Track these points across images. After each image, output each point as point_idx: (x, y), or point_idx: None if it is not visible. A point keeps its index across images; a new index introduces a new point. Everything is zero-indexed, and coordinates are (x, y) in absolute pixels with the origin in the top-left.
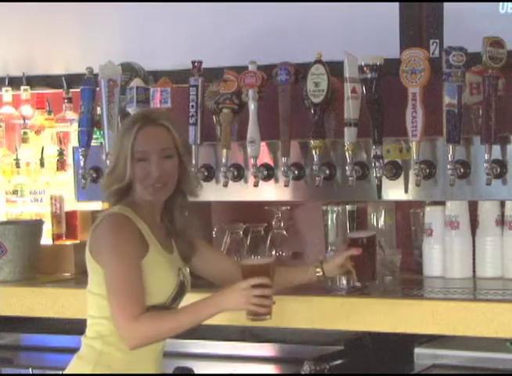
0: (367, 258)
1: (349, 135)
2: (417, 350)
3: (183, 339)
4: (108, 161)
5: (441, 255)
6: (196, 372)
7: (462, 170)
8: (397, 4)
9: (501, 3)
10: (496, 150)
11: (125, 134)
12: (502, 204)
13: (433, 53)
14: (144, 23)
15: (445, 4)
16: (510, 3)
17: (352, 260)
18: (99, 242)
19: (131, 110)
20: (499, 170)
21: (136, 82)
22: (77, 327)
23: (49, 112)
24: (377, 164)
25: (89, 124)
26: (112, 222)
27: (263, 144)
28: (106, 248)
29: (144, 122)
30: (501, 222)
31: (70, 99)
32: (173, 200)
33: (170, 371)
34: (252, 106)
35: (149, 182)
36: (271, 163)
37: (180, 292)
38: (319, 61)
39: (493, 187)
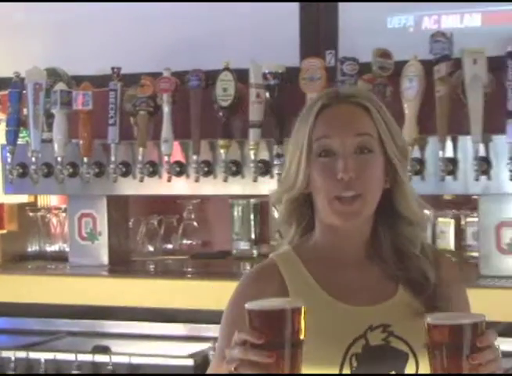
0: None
1: (253, 135)
2: None
3: (100, 319)
4: (34, 158)
5: None
6: (112, 350)
7: None
8: (297, 17)
9: (389, 18)
10: None
11: (302, 119)
12: None
13: (329, 63)
14: (68, 30)
15: (340, 18)
16: (396, 19)
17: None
18: None
19: (55, 111)
20: None
21: (60, 86)
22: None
23: None
24: (278, 162)
25: (16, 124)
26: (243, 277)
27: (176, 143)
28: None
29: (330, 100)
30: None
31: None
32: (378, 229)
33: (88, 350)
34: (166, 109)
35: (334, 190)
36: (183, 160)
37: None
38: (227, 68)
39: None
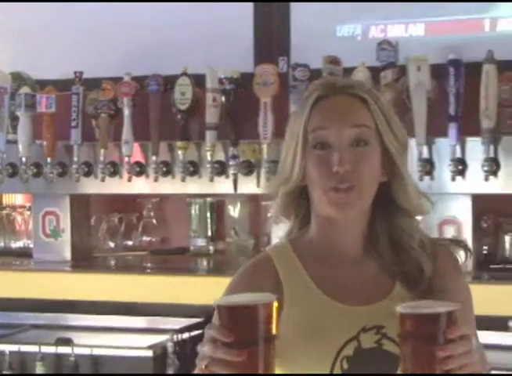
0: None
1: (210, 137)
2: None
3: (63, 313)
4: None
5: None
6: (74, 342)
7: None
8: (251, 25)
9: (338, 27)
10: None
11: (298, 110)
12: None
13: (282, 69)
14: (33, 36)
15: (292, 26)
16: (345, 27)
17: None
18: None
19: (20, 113)
20: None
21: (24, 90)
22: None
23: None
24: (234, 162)
25: None
26: (238, 271)
27: (136, 144)
28: None
29: (326, 91)
30: None
31: None
32: (376, 223)
33: (51, 342)
34: (126, 112)
35: (329, 182)
36: (142, 161)
37: None
38: (184, 74)
39: None
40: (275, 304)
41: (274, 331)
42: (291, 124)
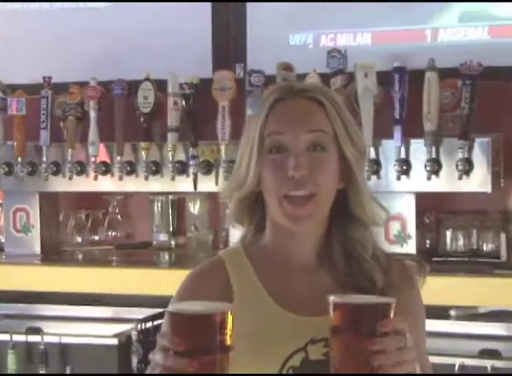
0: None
1: (171, 138)
2: None
3: (33, 303)
4: None
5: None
6: (44, 331)
7: None
8: (210, 34)
9: (291, 36)
10: None
11: (255, 113)
12: None
13: (238, 75)
14: (3, 43)
15: (248, 35)
16: (297, 36)
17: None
18: None
19: None
20: None
21: None
22: None
23: None
24: (194, 162)
25: None
26: (188, 276)
27: (101, 145)
28: None
29: (284, 93)
30: None
31: None
32: (331, 231)
33: (22, 330)
34: (92, 115)
35: (283, 188)
36: (108, 160)
37: None
38: (147, 79)
39: None
40: (231, 314)
41: (229, 342)
42: (247, 128)
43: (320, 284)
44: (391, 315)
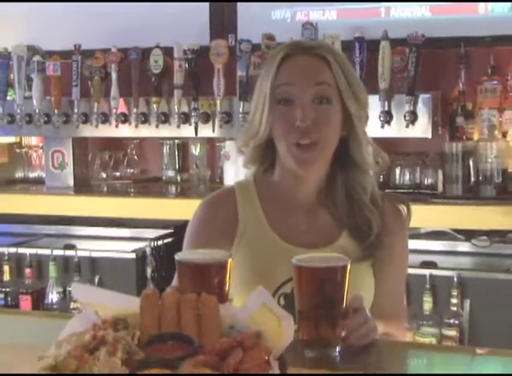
0: None
1: (177, 94)
2: None
3: (69, 225)
4: (19, 110)
5: (234, 171)
6: (78, 247)
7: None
8: (207, 11)
9: (272, 12)
10: None
11: (266, 67)
12: None
13: (231, 43)
14: (43, 17)
15: (239, 12)
16: (278, 12)
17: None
18: None
19: (34, 76)
20: None
21: (37, 58)
22: None
23: None
24: (195, 113)
25: (5, 86)
26: (202, 203)
27: (121, 100)
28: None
29: (292, 50)
30: None
31: None
32: (336, 175)
33: (60, 247)
34: (114, 75)
35: (292, 136)
36: (126, 112)
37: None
38: (157, 46)
39: None
40: (230, 262)
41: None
42: (259, 81)
43: (318, 222)
44: (346, 273)
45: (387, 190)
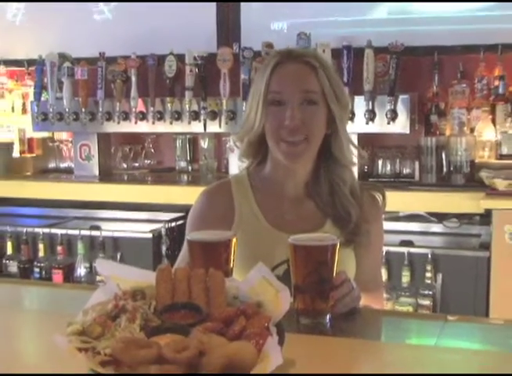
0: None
1: (188, 95)
2: None
3: (95, 209)
4: (51, 109)
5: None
6: (102, 228)
7: None
8: (214, 20)
9: (272, 23)
10: None
11: (260, 72)
12: None
13: (235, 50)
14: (72, 27)
15: (242, 22)
16: (276, 24)
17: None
18: None
19: (64, 79)
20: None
21: (67, 64)
22: None
23: (17, 80)
24: (204, 112)
25: (40, 88)
26: (202, 193)
27: (140, 100)
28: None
29: (284, 58)
30: None
31: (29, 73)
32: (320, 169)
33: (87, 228)
34: (133, 79)
35: (281, 134)
36: (144, 110)
37: None
38: (171, 53)
39: None
40: (235, 239)
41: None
42: (254, 84)
43: (306, 211)
44: (336, 251)
45: (370, 179)
